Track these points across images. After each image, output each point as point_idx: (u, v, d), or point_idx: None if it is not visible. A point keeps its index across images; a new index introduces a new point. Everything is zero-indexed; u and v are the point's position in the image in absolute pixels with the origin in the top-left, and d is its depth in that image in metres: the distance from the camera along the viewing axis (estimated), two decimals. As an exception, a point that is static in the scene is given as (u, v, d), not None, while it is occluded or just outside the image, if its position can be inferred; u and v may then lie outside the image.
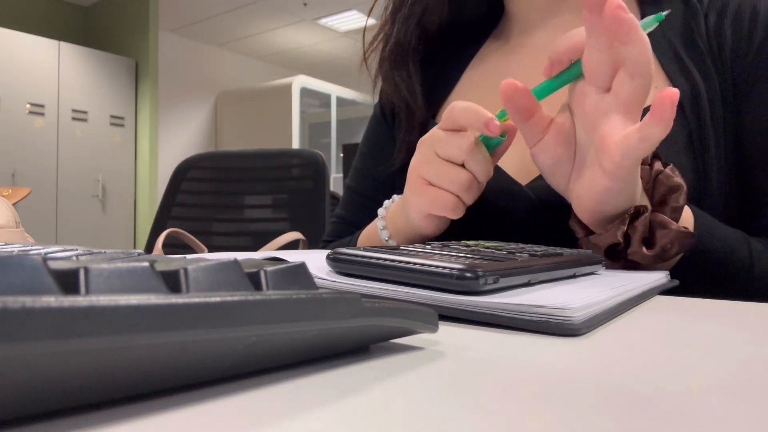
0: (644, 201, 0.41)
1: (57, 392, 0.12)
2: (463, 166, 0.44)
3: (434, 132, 0.45)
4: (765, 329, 0.25)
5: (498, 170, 0.53)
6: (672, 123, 0.34)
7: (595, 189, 0.39)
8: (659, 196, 0.41)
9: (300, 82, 5.18)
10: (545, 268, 0.31)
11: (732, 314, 0.29)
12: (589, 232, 0.43)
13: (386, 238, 0.53)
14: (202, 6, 4.62)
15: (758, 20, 0.52)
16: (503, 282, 0.27)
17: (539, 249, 0.38)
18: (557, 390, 0.16)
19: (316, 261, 0.34)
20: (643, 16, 0.57)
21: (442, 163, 0.44)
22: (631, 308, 0.30)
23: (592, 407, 0.14)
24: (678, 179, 0.41)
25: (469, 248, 0.35)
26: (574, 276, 0.35)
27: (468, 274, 0.25)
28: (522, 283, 0.29)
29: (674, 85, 0.51)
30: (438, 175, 0.45)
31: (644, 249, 0.39)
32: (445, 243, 0.38)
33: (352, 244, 0.60)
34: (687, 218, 0.43)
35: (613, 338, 0.23)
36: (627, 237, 0.40)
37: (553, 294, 0.27)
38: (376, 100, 0.73)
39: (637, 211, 0.40)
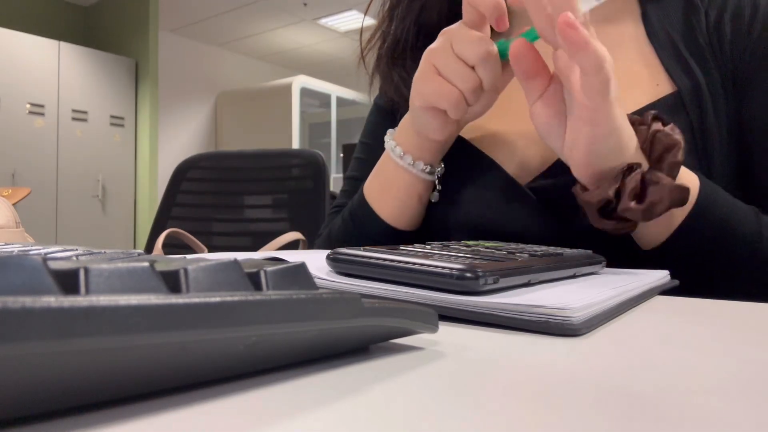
0: (640, 159, 0.41)
1: (57, 392, 0.12)
2: (474, 69, 0.44)
3: (458, 27, 0.45)
4: (765, 329, 0.25)
5: (498, 170, 0.53)
6: (587, 41, 0.35)
7: (580, 140, 0.39)
8: (657, 153, 0.41)
9: (300, 82, 5.18)
10: (545, 268, 0.31)
11: (732, 314, 0.29)
12: None
13: (393, 147, 0.53)
14: (202, 6, 4.62)
15: (758, 15, 0.52)
16: (503, 282, 0.27)
17: (539, 249, 0.38)
18: (557, 390, 0.16)
19: (316, 261, 0.34)
20: (644, 14, 0.57)
21: (456, 58, 0.44)
22: (631, 308, 0.30)
23: (592, 407, 0.14)
24: (677, 136, 0.40)
25: (469, 248, 0.35)
26: (574, 276, 0.35)
27: (468, 275, 0.25)
28: (522, 284, 0.29)
29: (675, 82, 0.51)
30: (448, 67, 0.44)
31: (633, 204, 0.39)
32: (445, 243, 0.38)
33: (358, 198, 0.60)
34: (691, 180, 0.42)
35: (613, 338, 0.23)
36: (619, 195, 0.40)
37: (553, 294, 0.27)
38: (373, 97, 0.73)
39: (630, 168, 0.40)
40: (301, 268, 0.17)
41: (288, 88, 5.09)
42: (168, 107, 4.98)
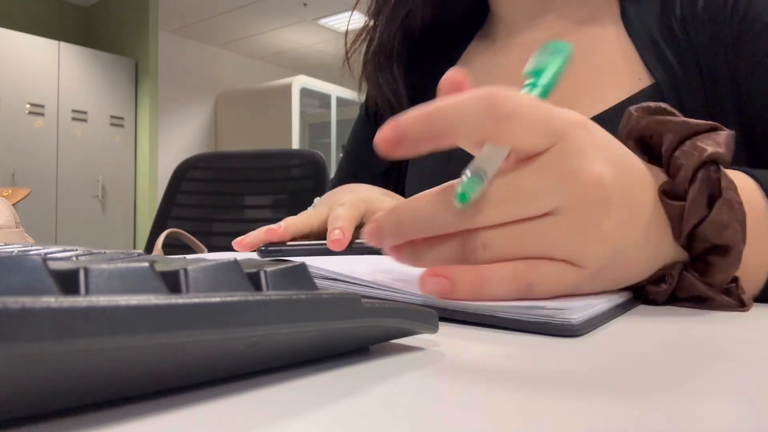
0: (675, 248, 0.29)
1: (57, 392, 0.12)
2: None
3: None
4: (765, 329, 0.25)
5: None
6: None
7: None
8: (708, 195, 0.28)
9: (300, 82, 5.18)
10: None
11: (731, 315, 0.29)
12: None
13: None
14: (202, 6, 4.62)
15: (738, 1, 0.50)
16: None
17: None
18: (557, 390, 0.16)
19: (316, 262, 0.34)
20: (623, 10, 0.57)
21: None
22: (630, 309, 0.30)
23: (593, 407, 0.14)
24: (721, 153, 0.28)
25: None
26: None
27: None
28: None
29: (653, 75, 0.51)
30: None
31: (724, 297, 0.29)
32: None
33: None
34: (754, 201, 0.31)
35: (613, 339, 0.23)
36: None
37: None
38: (363, 99, 0.73)
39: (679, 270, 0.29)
40: (301, 268, 0.17)
41: (288, 88, 5.09)
42: (168, 107, 4.98)
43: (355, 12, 0.68)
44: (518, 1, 0.61)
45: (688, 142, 0.28)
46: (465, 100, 0.25)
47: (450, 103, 0.25)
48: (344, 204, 0.47)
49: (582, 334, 0.23)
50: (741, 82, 0.49)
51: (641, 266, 0.29)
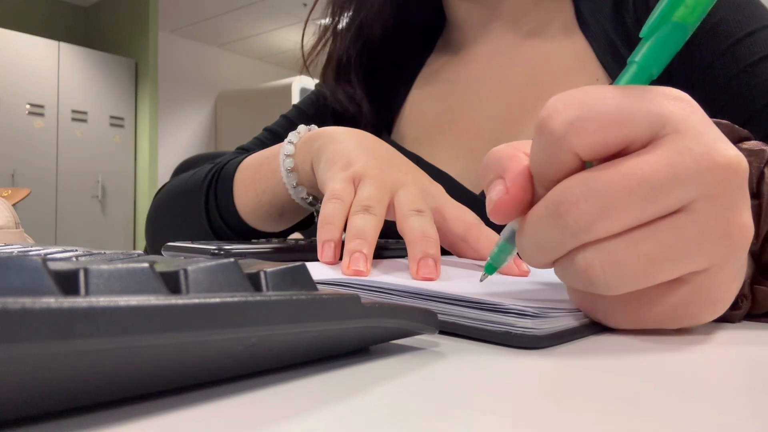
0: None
1: (56, 393, 0.12)
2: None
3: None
4: (750, 351, 0.25)
5: (454, 184, 0.53)
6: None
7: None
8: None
9: (300, 82, 5.18)
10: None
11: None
12: None
13: (284, 159, 0.44)
14: (202, 6, 4.61)
15: None
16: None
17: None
18: (558, 390, 0.16)
19: (316, 262, 0.34)
20: (577, 10, 0.56)
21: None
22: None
23: (596, 407, 0.14)
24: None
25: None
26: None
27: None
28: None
29: (612, 78, 0.50)
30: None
31: None
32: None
33: (231, 166, 0.51)
34: None
35: (612, 341, 0.23)
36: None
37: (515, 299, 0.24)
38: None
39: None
40: (301, 268, 0.17)
41: (288, 89, 5.09)
42: (168, 107, 4.97)
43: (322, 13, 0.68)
44: (470, 9, 0.61)
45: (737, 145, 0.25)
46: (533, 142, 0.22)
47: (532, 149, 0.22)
48: (407, 192, 0.35)
49: (545, 347, 0.21)
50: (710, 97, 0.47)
51: (738, 284, 0.23)
